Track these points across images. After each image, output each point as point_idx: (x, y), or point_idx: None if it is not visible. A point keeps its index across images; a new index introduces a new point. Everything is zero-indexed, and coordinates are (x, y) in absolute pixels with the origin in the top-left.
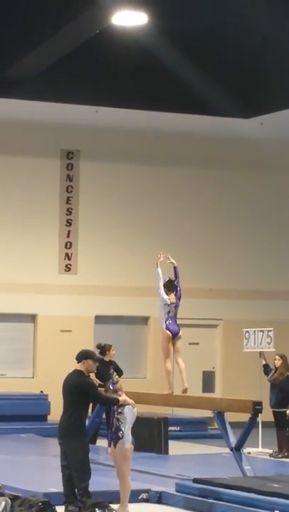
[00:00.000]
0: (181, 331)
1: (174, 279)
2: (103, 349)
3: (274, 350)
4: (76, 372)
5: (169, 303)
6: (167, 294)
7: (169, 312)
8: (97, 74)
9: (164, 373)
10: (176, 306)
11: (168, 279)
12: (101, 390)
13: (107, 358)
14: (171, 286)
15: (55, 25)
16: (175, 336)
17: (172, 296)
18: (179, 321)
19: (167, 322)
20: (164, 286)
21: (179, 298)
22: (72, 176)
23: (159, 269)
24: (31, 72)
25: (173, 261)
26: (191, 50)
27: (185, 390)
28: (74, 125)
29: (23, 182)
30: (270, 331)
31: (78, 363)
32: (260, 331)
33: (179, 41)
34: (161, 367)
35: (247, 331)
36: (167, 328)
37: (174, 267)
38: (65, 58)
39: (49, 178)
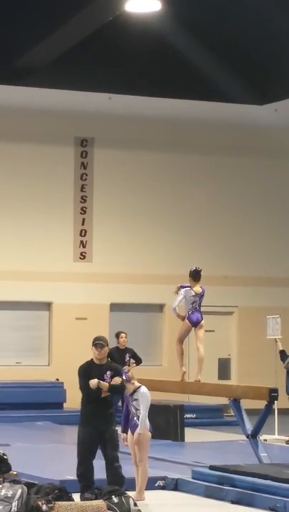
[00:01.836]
0: (203, 320)
1: (200, 268)
2: (116, 336)
3: (280, 337)
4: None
5: (194, 294)
6: (193, 285)
7: (194, 303)
8: (110, 61)
9: (176, 355)
10: (202, 297)
11: (194, 268)
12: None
13: (120, 345)
14: (196, 275)
15: (68, 13)
16: (197, 324)
17: (198, 286)
18: None
19: (190, 312)
20: (190, 275)
21: (204, 289)
22: (87, 164)
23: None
24: (45, 60)
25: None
26: (205, 37)
27: (197, 381)
28: (88, 112)
29: (37, 170)
30: (278, 317)
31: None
32: (273, 317)
33: (192, 28)
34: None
35: (269, 318)
36: (189, 319)
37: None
38: (78, 46)
39: (63, 166)
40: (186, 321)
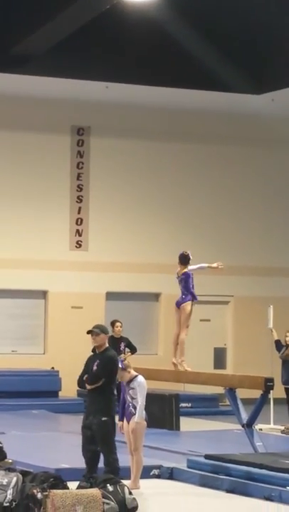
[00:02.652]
0: (185, 304)
1: (186, 252)
2: (111, 325)
3: (271, 326)
4: None
5: (177, 276)
6: (181, 269)
7: (179, 284)
8: (107, 50)
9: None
10: (181, 281)
11: (181, 252)
12: None
13: (115, 334)
14: (182, 259)
15: (65, 1)
16: (178, 306)
17: (182, 269)
18: None
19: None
20: (178, 259)
21: (184, 274)
22: (83, 153)
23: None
24: (42, 48)
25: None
26: (202, 26)
27: (180, 363)
28: (84, 101)
29: (34, 158)
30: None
31: None
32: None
33: (190, 17)
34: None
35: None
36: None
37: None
38: (75, 34)
39: (60, 155)
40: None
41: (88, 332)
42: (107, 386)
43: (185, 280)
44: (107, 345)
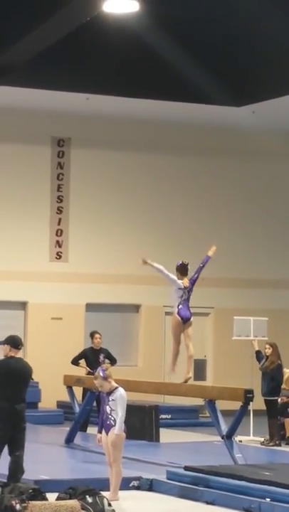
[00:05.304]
0: (192, 317)
1: (186, 262)
2: (90, 336)
3: (267, 338)
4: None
5: (182, 287)
6: (180, 278)
7: (182, 296)
8: (87, 61)
9: (171, 354)
10: (190, 291)
11: (180, 262)
12: (91, 377)
13: (94, 346)
14: (183, 269)
15: (45, 12)
16: (186, 321)
17: (186, 280)
18: (169, 309)
19: (179, 307)
20: (177, 269)
21: (192, 282)
22: (63, 164)
23: (155, 264)
24: (22, 59)
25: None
26: (183, 38)
27: (187, 380)
28: (65, 112)
29: (14, 169)
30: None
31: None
32: (255, 319)
33: (171, 29)
34: (152, 355)
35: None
36: (178, 314)
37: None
38: (55, 45)
39: (40, 166)
40: (176, 315)
41: None
42: None
43: (191, 291)
44: None
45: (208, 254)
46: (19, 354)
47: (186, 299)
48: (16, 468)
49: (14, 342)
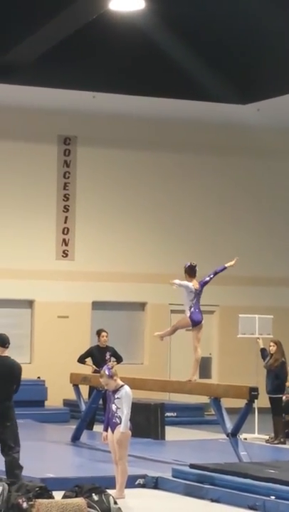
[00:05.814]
0: (203, 321)
1: (194, 264)
2: (97, 335)
3: (272, 336)
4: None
5: (193, 290)
6: (189, 281)
7: (193, 299)
8: (94, 59)
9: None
10: (200, 293)
11: (189, 264)
12: (97, 375)
13: (101, 344)
14: (192, 271)
15: (52, 11)
16: (198, 324)
17: (195, 282)
18: (174, 307)
19: (191, 310)
20: (185, 271)
21: (202, 285)
22: (70, 162)
23: (183, 283)
24: (28, 58)
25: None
26: (189, 36)
27: (190, 381)
28: (71, 111)
29: (20, 168)
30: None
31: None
32: (260, 317)
33: (176, 27)
34: (158, 353)
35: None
36: (191, 318)
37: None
38: (62, 44)
39: (46, 164)
40: (187, 318)
41: None
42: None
43: (201, 293)
44: None
45: (225, 265)
46: (6, 352)
47: (197, 301)
48: (11, 466)
49: (2, 341)
